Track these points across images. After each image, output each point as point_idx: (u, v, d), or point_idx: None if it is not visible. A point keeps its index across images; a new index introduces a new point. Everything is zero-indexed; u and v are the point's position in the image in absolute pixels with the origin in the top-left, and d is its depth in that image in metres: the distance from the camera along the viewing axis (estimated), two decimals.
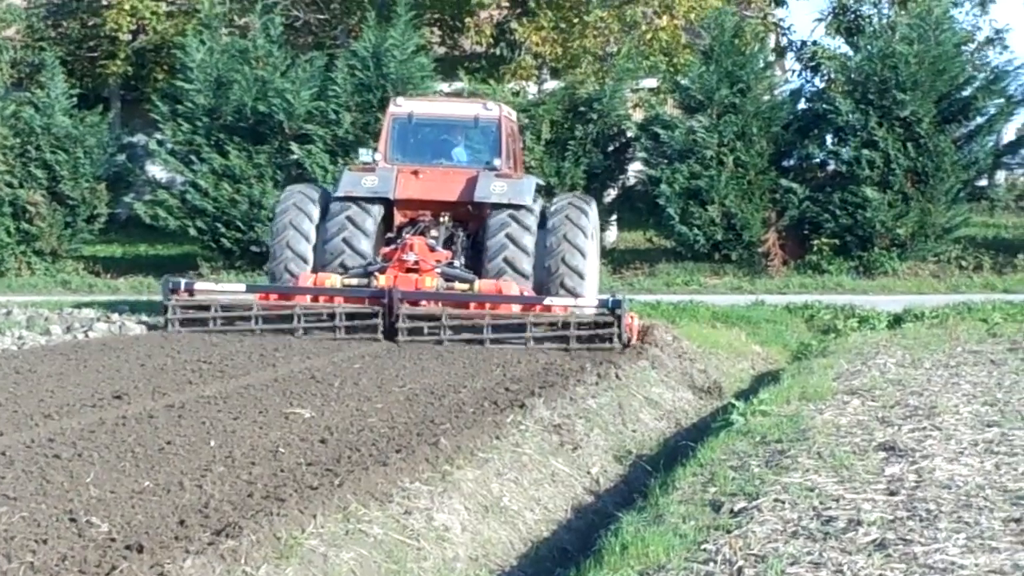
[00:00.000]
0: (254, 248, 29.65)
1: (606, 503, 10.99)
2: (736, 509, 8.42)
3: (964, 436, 10.40)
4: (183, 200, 30.31)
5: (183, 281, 18.89)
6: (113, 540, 7.39)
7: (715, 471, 9.71)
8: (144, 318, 20.35)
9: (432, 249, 19.17)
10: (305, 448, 10.12)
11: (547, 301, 18.37)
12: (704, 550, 7.47)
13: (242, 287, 20.07)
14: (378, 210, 19.62)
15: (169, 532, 7.59)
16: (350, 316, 17.94)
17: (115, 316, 20.66)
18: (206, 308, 18.25)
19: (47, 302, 24.05)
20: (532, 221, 19.43)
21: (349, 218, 19.34)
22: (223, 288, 19.69)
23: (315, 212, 19.73)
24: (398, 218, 20.02)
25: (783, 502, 8.41)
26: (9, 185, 30.61)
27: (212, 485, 8.73)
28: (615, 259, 30.17)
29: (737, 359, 19.82)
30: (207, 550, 7.11)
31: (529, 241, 19.26)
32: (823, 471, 9.29)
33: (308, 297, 18.53)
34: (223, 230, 29.85)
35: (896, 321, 22.02)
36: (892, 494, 8.51)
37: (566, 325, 17.73)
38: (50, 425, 10.52)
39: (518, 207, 19.33)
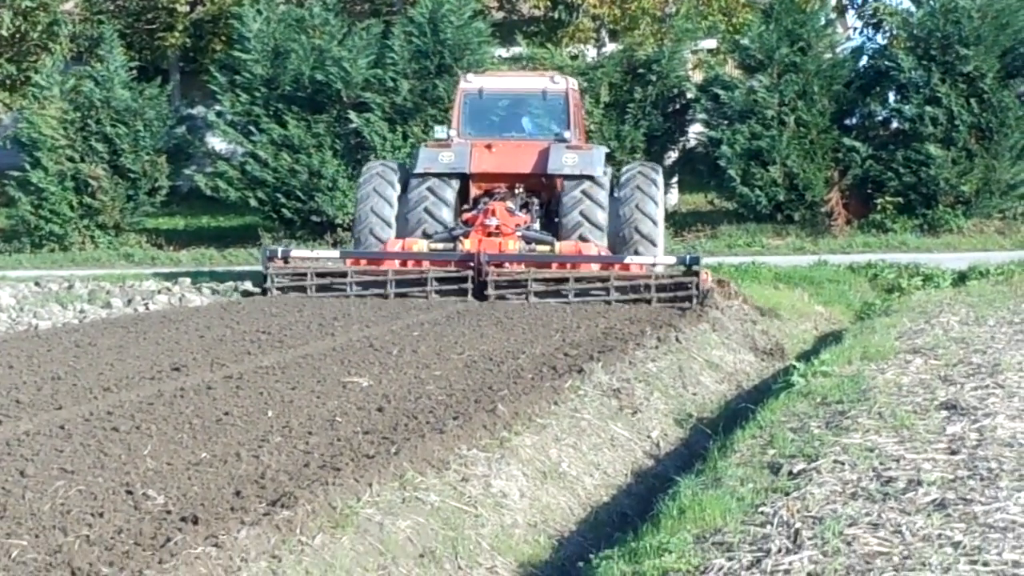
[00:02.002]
0: (314, 218, 29.73)
1: (666, 467, 10.91)
2: (795, 471, 8.33)
3: None
4: (243, 171, 30.39)
5: (280, 248, 20.05)
6: (169, 512, 7.40)
7: (774, 433, 9.62)
8: (204, 288, 20.52)
9: (512, 213, 20.02)
10: (362, 417, 10.10)
11: (627, 260, 19.25)
12: (761, 512, 7.39)
13: (336, 253, 20.78)
14: (455, 184, 20.56)
15: (225, 503, 7.58)
16: (440, 280, 18.91)
17: (175, 288, 20.76)
18: (302, 275, 19.23)
19: (109, 275, 24.22)
20: (603, 191, 20.29)
21: (430, 188, 20.31)
22: (318, 255, 20.72)
23: (395, 188, 20.59)
24: (474, 191, 20.88)
25: (842, 463, 8.31)
26: (71, 159, 30.82)
27: (269, 455, 8.73)
28: (676, 222, 30.00)
29: (800, 320, 19.66)
30: (262, 521, 7.10)
31: (602, 212, 20.13)
32: (883, 431, 9.17)
33: (396, 262, 19.44)
34: (283, 200, 29.92)
35: (961, 279, 21.83)
36: (953, 453, 8.39)
37: (647, 284, 18.53)
38: (109, 398, 10.55)
39: (589, 178, 20.14)
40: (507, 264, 19.21)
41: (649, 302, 18.26)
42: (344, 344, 13.96)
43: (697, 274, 18.49)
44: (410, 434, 9.40)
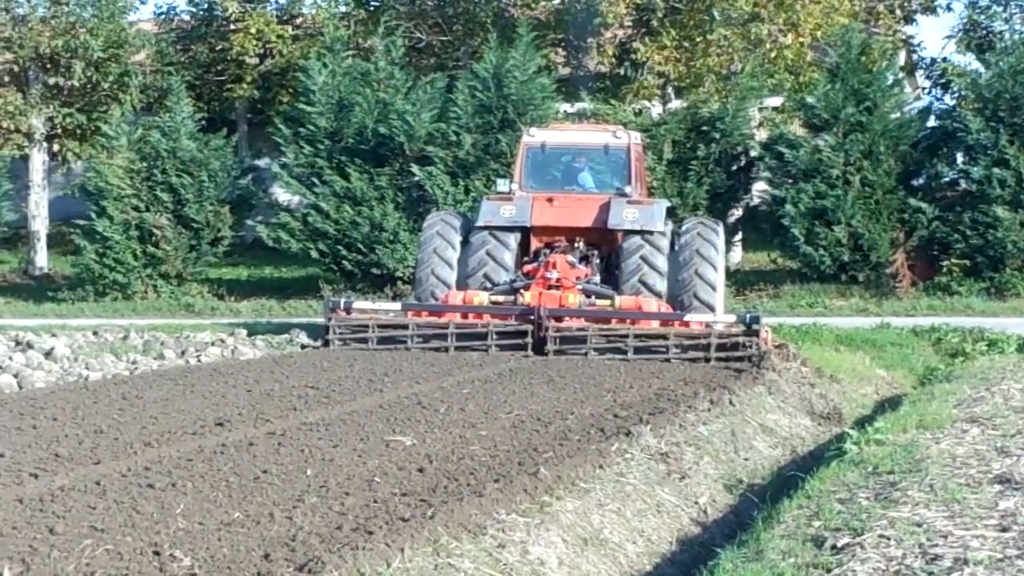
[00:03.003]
0: (375, 271, 29.74)
1: (713, 535, 10.67)
2: (839, 545, 8.09)
3: None
4: (305, 222, 30.48)
5: (342, 300, 19.98)
6: (194, 575, 7.27)
7: (821, 504, 9.38)
8: (258, 341, 20.53)
9: (572, 266, 20.05)
10: (402, 477, 9.94)
11: (687, 317, 19.13)
12: None
13: (397, 306, 20.72)
14: (516, 237, 20.61)
15: (252, 567, 7.44)
16: (501, 334, 18.89)
17: (229, 340, 20.76)
18: (364, 326, 19.29)
19: (167, 325, 24.25)
20: (664, 246, 20.27)
21: (491, 242, 20.39)
22: (379, 307, 20.68)
23: (457, 240, 20.75)
24: (534, 243, 20.91)
25: (888, 538, 8.07)
26: (136, 208, 31.06)
27: (302, 516, 8.58)
28: (739, 280, 29.77)
29: (860, 384, 19.36)
30: None
31: (662, 265, 20.12)
32: (933, 505, 8.92)
33: (458, 314, 19.45)
34: (344, 252, 29.98)
35: None
36: (1004, 530, 8.12)
37: (706, 342, 18.47)
38: (148, 453, 10.46)
39: (649, 233, 20.12)
40: (567, 319, 19.11)
41: (708, 360, 18.14)
42: (392, 401, 13.83)
43: (757, 333, 18.34)
44: (448, 496, 9.24)
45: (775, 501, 10.23)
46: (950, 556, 7.57)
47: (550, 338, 18.54)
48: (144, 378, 15.82)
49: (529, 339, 18.64)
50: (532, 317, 18.73)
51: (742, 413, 14.56)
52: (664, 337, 18.58)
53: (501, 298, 19.66)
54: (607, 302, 19.60)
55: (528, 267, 20.37)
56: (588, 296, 19.67)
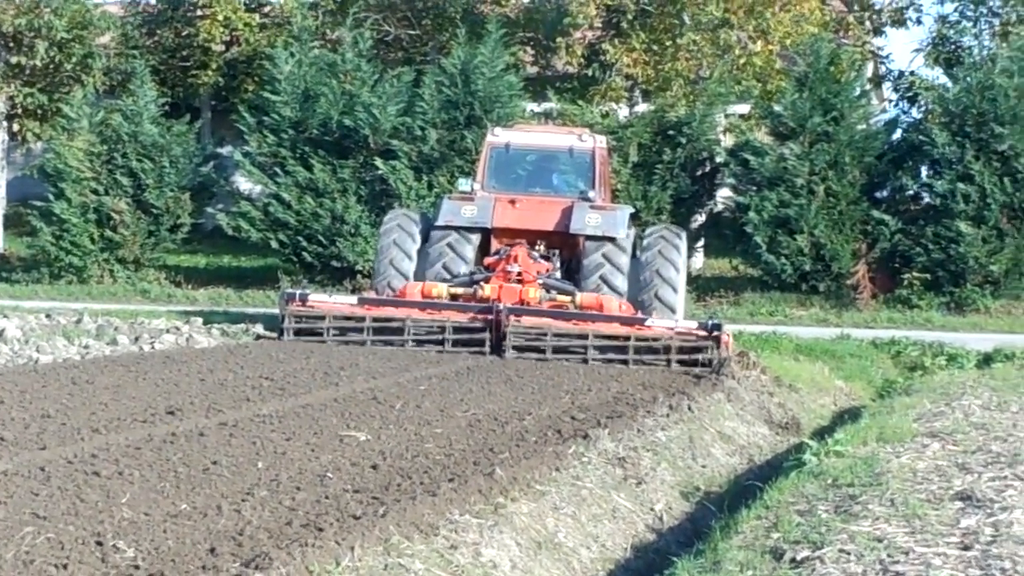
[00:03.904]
0: (335, 263, 29.52)
1: (669, 542, 10.53)
2: (798, 558, 7.94)
3: None
4: (266, 212, 30.22)
5: (297, 292, 19.54)
6: (136, 567, 7.05)
7: (780, 515, 9.23)
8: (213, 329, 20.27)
9: (534, 261, 19.93)
10: (355, 473, 9.75)
11: (648, 322, 18.83)
12: None
13: (354, 299, 20.23)
14: (476, 238, 20.40)
15: (197, 560, 7.23)
16: (458, 330, 18.59)
17: (184, 328, 20.49)
18: (320, 318, 18.93)
19: (122, 311, 23.97)
20: (625, 254, 20.14)
21: (450, 242, 20.15)
22: (336, 299, 20.10)
23: (417, 234, 20.55)
24: (495, 244, 20.64)
25: (848, 553, 7.92)
26: (95, 192, 30.73)
27: (251, 510, 8.38)
28: (700, 286, 29.67)
29: (818, 394, 19.30)
30: None
31: (621, 276, 19.97)
32: (894, 520, 8.78)
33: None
34: (304, 244, 29.73)
35: (986, 360, 21.43)
36: (965, 548, 7.99)
37: (667, 346, 18.22)
38: (96, 440, 10.22)
39: (611, 240, 19.98)
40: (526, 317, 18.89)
41: (668, 363, 17.98)
42: (347, 395, 13.63)
43: (718, 339, 18.12)
44: (401, 495, 9.05)
45: (732, 510, 10.09)
46: (911, 573, 7.43)
47: (509, 334, 18.25)
48: (95, 363, 15.56)
49: (488, 335, 18.34)
50: (491, 315, 18.42)
51: (700, 420, 14.43)
52: (624, 339, 18.33)
53: (460, 290, 19.47)
54: (568, 298, 19.42)
55: (489, 260, 20.16)
56: (548, 291, 19.49)
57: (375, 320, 18.83)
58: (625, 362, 18.02)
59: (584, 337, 18.33)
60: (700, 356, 18.06)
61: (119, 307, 25.32)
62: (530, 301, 19.10)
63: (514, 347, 18.21)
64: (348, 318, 19.05)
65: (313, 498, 8.87)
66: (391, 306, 19.26)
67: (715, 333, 18.16)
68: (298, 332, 18.96)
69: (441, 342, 18.48)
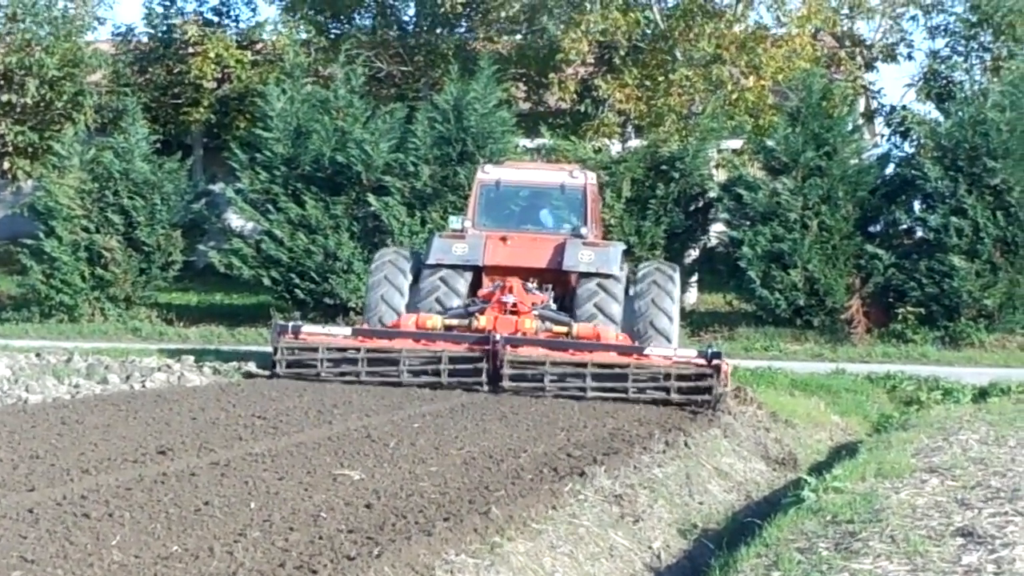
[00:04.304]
0: (328, 300, 29.39)
1: None
2: None
3: None
4: (258, 249, 30.10)
5: (290, 324, 19.38)
6: None
7: (780, 553, 9.12)
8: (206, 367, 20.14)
9: (528, 292, 19.81)
10: (349, 513, 9.63)
11: (647, 351, 18.68)
12: None
13: (348, 330, 20.04)
14: (468, 275, 20.25)
15: None
16: (455, 359, 18.42)
17: (175, 366, 20.36)
18: (313, 349, 18.76)
19: (113, 349, 23.83)
20: (619, 289, 19.98)
21: (442, 280, 20.05)
22: (329, 331, 19.87)
23: (408, 273, 20.44)
24: (486, 283, 20.41)
25: None
26: (85, 230, 30.59)
27: (244, 552, 8.25)
28: (694, 321, 29.57)
29: (815, 429, 19.17)
30: None
31: (616, 306, 19.80)
32: (895, 557, 8.67)
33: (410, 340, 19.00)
34: (297, 281, 29.60)
35: (981, 395, 21.31)
36: None
37: (667, 375, 18.06)
38: (86, 481, 10.10)
39: (606, 276, 19.84)
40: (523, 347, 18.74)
41: (668, 391, 17.87)
42: (341, 433, 13.51)
43: (718, 368, 17.96)
44: (396, 535, 8.93)
45: (731, 548, 9.98)
46: None
47: (506, 363, 18.10)
48: (86, 402, 15.42)
49: (485, 366, 18.16)
50: (487, 345, 18.24)
51: (697, 456, 14.32)
52: (623, 367, 18.16)
53: (455, 322, 19.33)
54: (564, 328, 19.31)
55: (484, 292, 20.03)
56: (544, 321, 19.39)
57: (369, 351, 18.63)
58: (625, 390, 17.88)
59: (583, 366, 18.18)
60: (701, 384, 17.90)
61: (110, 345, 25.17)
62: (526, 332, 18.99)
63: (511, 378, 18.06)
64: (342, 350, 18.85)
65: (307, 539, 8.75)
66: (385, 337, 19.09)
67: (715, 362, 18.02)
68: (291, 365, 18.77)
69: (437, 373, 18.29)
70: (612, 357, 18.52)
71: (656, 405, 17.66)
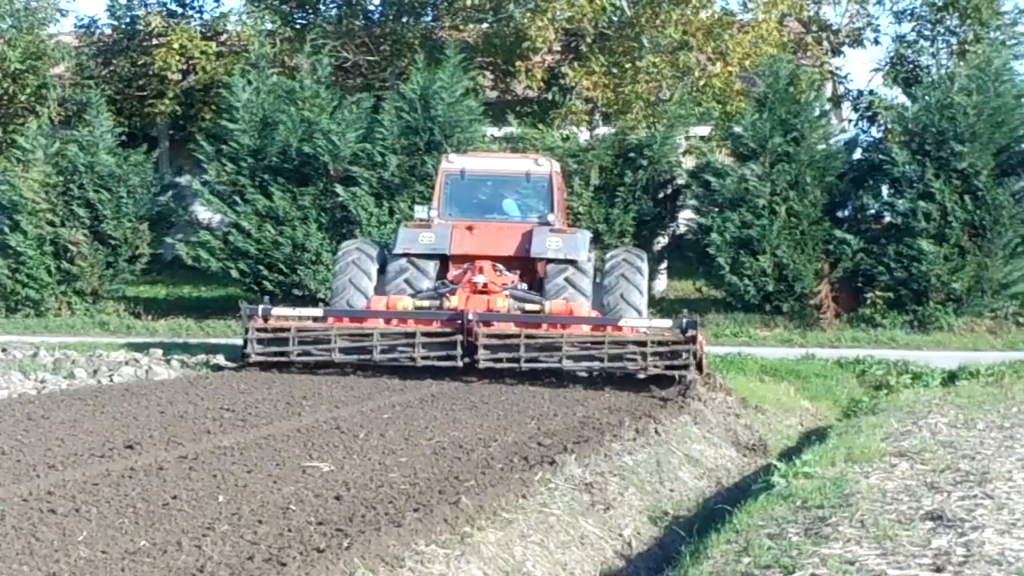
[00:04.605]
0: (296, 291, 29.28)
1: (638, 568, 10.40)
2: None
3: (1017, 506, 9.73)
4: (225, 241, 29.98)
5: (260, 307, 19.31)
6: None
7: (750, 539, 9.10)
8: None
9: (499, 273, 19.88)
10: (318, 505, 9.58)
11: (621, 322, 18.91)
12: None
13: (319, 311, 20.10)
14: (434, 265, 20.28)
15: None
16: (429, 335, 18.45)
17: (143, 359, 20.24)
18: (285, 330, 18.75)
19: (80, 343, 23.70)
20: (587, 277, 20.11)
21: (408, 270, 20.06)
22: (300, 312, 19.97)
23: (375, 259, 20.52)
24: (453, 272, 20.39)
25: None
26: (51, 224, 30.41)
27: (212, 546, 8.20)
28: (664, 308, 29.48)
29: (785, 415, 19.18)
30: None
31: (587, 285, 19.94)
32: (865, 542, 8.66)
33: (381, 320, 19.01)
34: (265, 272, 29.51)
35: (950, 378, 21.38)
36: (938, 570, 7.88)
37: (641, 345, 18.16)
38: (52, 477, 10.02)
39: (572, 262, 19.94)
40: (496, 324, 18.82)
41: (644, 357, 17.97)
42: (310, 425, 13.46)
43: (694, 339, 18.11)
44: (366, 526, 8.89)
45: (702, 534, 9.96)
46: None
47: (480, 344, 18.14)
48: (52, 398, 15.34)
49: (459, 346, 18.18)
50: (460, 323, 18.27)
51: (667, 443, 14.31)
52: (598, 343, 18.22)
53: (427, 303, 19.35)
54: (536, 307, 19.37)
55: (454, 273, 20.08)
56: (517, 300, 19.47)
57: (340, 333, 18.54)
58: (602, 360, 18.02)
59: (558, 340, 18.20)
60: (676, 351, 18.07)
61: (77, 340, 25.03)
62: (499, 310, 19.04)
63: (485, 357, 18.08)
64: (314, 331, 18.77)
65: (276, 531, 8.70)
66: (358, 319, 19.09)
67: (690, 332, 18.16)
68: (262, 348, 18.62)
69: (412, 356, 18.22)
70: (587, 332, 18.58)
71: (625, 392, 17.66)
